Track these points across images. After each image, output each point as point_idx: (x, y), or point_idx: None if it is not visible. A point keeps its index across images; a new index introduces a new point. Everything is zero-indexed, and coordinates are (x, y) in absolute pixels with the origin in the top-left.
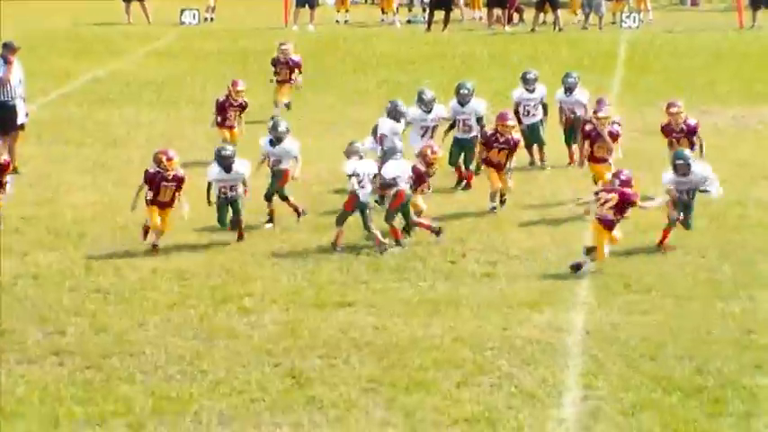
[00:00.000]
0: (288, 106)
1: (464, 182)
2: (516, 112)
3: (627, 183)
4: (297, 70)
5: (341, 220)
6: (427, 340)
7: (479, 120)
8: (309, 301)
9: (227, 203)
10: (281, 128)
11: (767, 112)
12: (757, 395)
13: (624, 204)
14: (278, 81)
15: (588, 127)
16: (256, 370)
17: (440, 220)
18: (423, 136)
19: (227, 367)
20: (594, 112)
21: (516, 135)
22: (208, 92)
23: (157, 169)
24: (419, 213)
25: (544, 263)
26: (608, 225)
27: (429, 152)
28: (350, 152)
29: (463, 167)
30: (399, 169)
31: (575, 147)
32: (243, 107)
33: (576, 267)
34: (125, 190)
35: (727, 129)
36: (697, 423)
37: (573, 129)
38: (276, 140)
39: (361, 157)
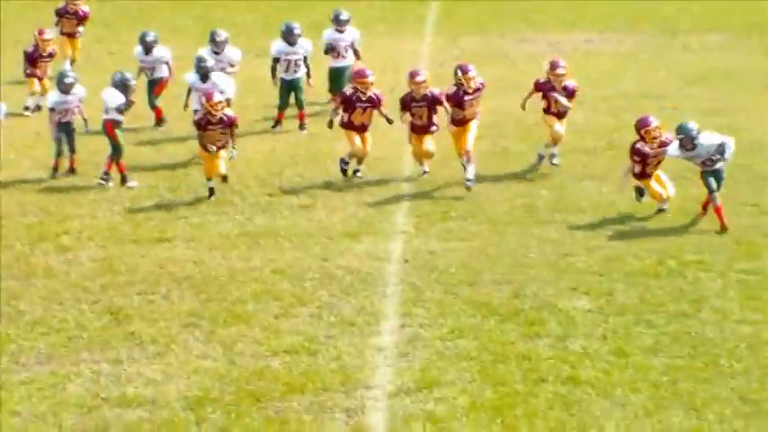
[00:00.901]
0: (72, 62)
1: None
2: (327, 52)
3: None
4: (82, 22)
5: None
6: (246, 273)
7: (305, 59)
8: (127, 238)
9: (65, 132)
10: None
11: (581, 38)
12: (573, 317)
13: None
14: (64, 33)
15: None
16: (74, 308)
17: (262, 155)
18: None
19: (44, 306)
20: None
21: (377, 91)
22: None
23: None
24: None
25: (362, 194)
26: None
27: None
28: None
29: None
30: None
31: None
32: (51, 56)
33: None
34: None
35: (544, 56)
36: (514, 345)
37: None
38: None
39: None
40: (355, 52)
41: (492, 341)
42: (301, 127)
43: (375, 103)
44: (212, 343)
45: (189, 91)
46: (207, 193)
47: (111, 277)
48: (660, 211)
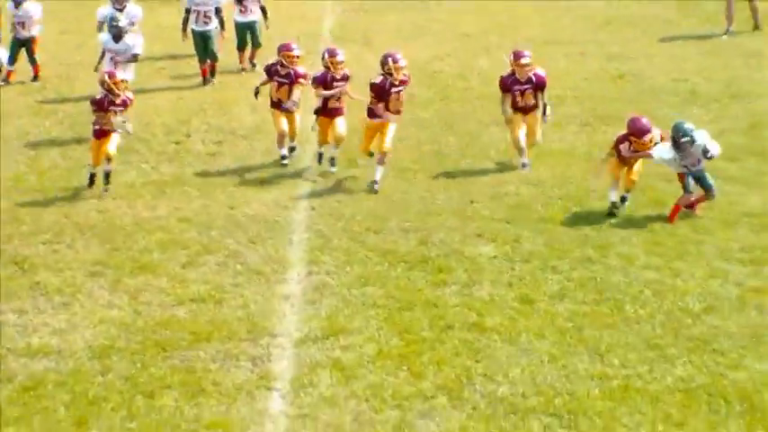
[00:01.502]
0: None
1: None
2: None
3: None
4: None
5: None
6: (152, 222)
7: (218, 11)
8: (32, 187)
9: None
10: None
11: None
12: (480, 264)
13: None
14: None
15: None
16: None
17: (170, 103)
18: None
19: None
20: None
21: (301, 69)
22: None
23: None
24: None
25: (269, 141)
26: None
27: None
28: None
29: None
30: None
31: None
32: None
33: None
34: None
35: (452, 4)
36: (421, 293)
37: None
38: None
39: None
40: (262, 9)
41: (399, 289)
42: (207, 81)
43: (292, 80)
44: (118, 292)
45: (102, 53)
46: (87, 181)
47: (16, 227)
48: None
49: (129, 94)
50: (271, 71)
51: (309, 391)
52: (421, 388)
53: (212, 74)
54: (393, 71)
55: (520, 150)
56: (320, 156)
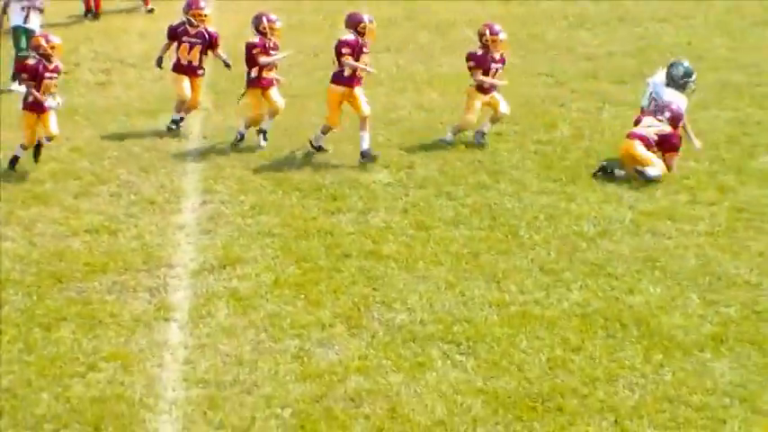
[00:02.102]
0: None
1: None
2: None
3: None
4: None
5: None
6: (44, 152)
7: None
8: None
9: None
10: None
11: None
12: (374, 191)
13: None
14: None
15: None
16: None
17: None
18: None
19: None
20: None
21: (212, 28)
22: None
23: None
24: None
25: (159, 70)
26: None
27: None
28: None
29: None
30: None
31: None
32: None
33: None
34: None
35: None
36: (316, 221)
37: None
38: None
39: None
40: None
41: (294, 217)
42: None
43: (205, 40)
44: (11, 224)
45: (6, 3)
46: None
47: None
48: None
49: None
50: (177, 32)
51: (207, 321)
52: (319, 316)
53: (96, 11)
54: (195, 17)
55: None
56: (263, 132)
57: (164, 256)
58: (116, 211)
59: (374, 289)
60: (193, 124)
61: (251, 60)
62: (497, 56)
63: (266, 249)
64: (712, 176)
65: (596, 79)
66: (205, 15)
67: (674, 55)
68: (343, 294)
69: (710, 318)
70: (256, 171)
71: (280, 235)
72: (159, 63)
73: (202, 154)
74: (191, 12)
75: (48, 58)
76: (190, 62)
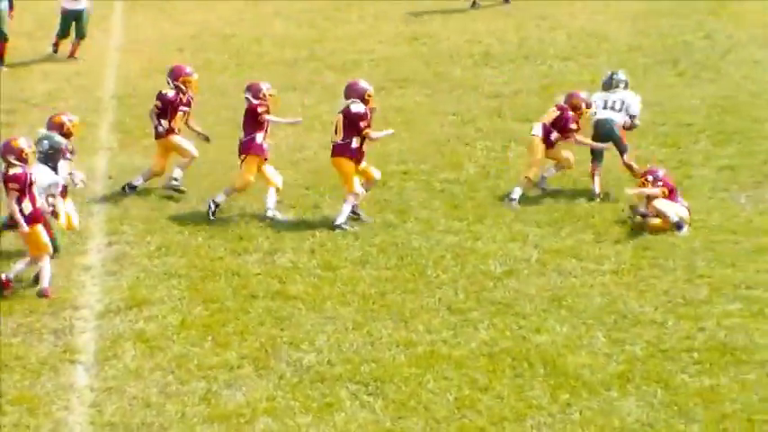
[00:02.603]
0: None
1: None
2: None
3: None
4: None
5: None
6: None
7: None
8: None
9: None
10: None
11: None
12: (280, 231)
13: None
14: None
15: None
16: None
17: None
18: None
19: None
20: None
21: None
22: None
23: None
24: None
25: (63, 108)
26: None
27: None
28: None
29: None
30: None
31: None
32: None
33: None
34: None
35: None
36: (223, 261)
37: None
38: None
39: None
40: None
41: (200, 257)
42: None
43: (190, 107)
44: None
45: None
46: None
47: None
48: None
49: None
50: (174, 103)
51: (114, 363)
52: (226, 358)
53: (1, 59)
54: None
55: None
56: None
57: (69, 297)
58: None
59: (282, 329)
60: (99, 164)
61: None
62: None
63: (173, 290)
64: (617, 215)
65: (502, 117)
66: (195, 81)
67: None
68: (250, 335)
69: (616, 356)
70: (162, 211)
71: (186, 276)
72: (161, 133)
73: (108, 194)
74: (181, 78)
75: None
76: (178, 130)
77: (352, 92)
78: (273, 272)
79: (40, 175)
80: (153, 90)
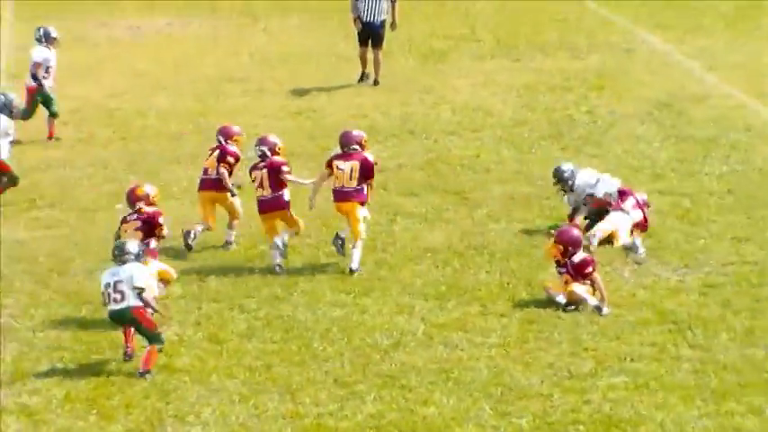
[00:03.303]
0: None
1: None
2: None
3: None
4: None
5: None
6: None
7: None
8: None
9: None
10: None
11: (161, 21)
12: (166, 305)
13: None
14: None
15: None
16: None
17: None
18: None
19: None
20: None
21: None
22: None
23: None
24: None
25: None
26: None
27: None
28: None
29: None
30: None
31: None
32: None
33: None
34: None
35: (124, 39)
36: (108, 334)
37: None
38: None
39: None
40: None
41: (85, 330)
42: None
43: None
44: None
45: None
46: None
47: None
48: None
49: None
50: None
51: None
52: (111, 431)
53: None
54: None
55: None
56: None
57: None
58: None
59: (167, 403)
60: None
61: None
62: None
63: (57, 364)
64: (503, 288)
65: (387, 191)
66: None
67: (463, 168)
68: (135, 408)
69: (503, 429)
70: (46, 285)
71: (70, 348)
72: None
73: None
74: (234, 137)
75: None
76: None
77: (349, 139)
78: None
79: None
80: (36, 162)
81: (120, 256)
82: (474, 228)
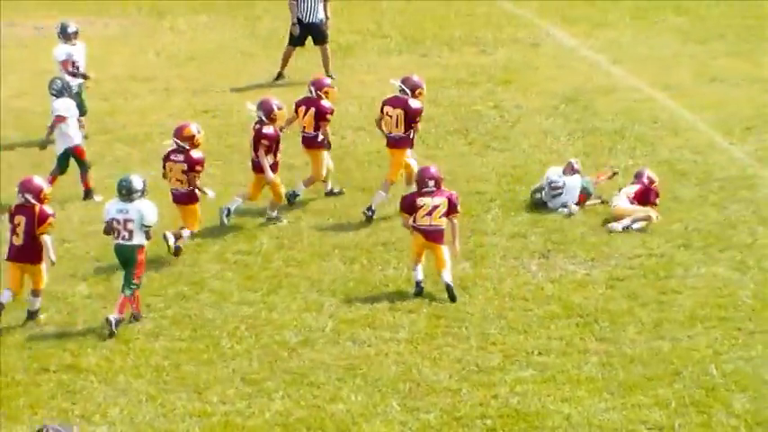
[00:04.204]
0: None
1: None
2: None
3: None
4: None
5: None
6: None
7: None
8: None
9: None
10: None
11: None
12: (73, 304)
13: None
14: None
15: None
16: None
17: None
18: None
19: None
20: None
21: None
22: None
23: None
24: None
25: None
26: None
27: None
28: None
29: None
30: None
31: None
32: None
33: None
34: None
35: (29, 39)
36: (14, 334)
37: None
38: None
39: None
40: None
41: None
42: None
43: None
44: None
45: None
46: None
47: None
48: None
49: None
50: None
51: None
52: None
53: None
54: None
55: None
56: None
57: None
58: None
59: (73, 403)
60: None
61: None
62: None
63: None
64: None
65: (294, 188)
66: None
67: (370, 164)
68: (41, 409)
69: (411, 424)
70: None
71: None
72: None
73: None
74: (324, 89)
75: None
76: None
77: (411, 84)
78: (65, 345)
79: None
80: None
81: (127, 194)
82: (381, 224)
